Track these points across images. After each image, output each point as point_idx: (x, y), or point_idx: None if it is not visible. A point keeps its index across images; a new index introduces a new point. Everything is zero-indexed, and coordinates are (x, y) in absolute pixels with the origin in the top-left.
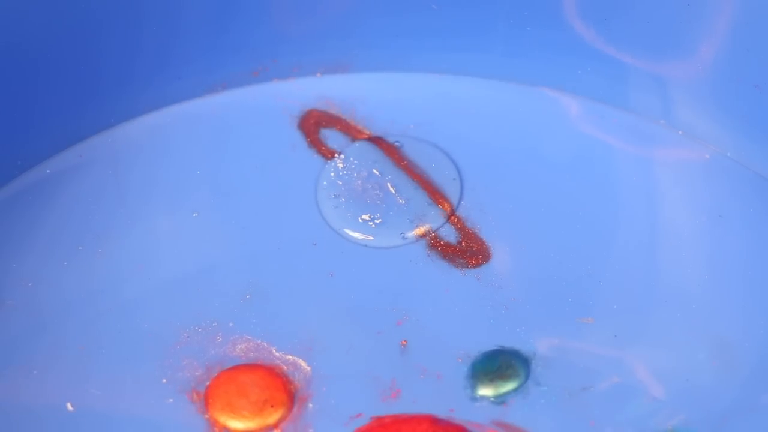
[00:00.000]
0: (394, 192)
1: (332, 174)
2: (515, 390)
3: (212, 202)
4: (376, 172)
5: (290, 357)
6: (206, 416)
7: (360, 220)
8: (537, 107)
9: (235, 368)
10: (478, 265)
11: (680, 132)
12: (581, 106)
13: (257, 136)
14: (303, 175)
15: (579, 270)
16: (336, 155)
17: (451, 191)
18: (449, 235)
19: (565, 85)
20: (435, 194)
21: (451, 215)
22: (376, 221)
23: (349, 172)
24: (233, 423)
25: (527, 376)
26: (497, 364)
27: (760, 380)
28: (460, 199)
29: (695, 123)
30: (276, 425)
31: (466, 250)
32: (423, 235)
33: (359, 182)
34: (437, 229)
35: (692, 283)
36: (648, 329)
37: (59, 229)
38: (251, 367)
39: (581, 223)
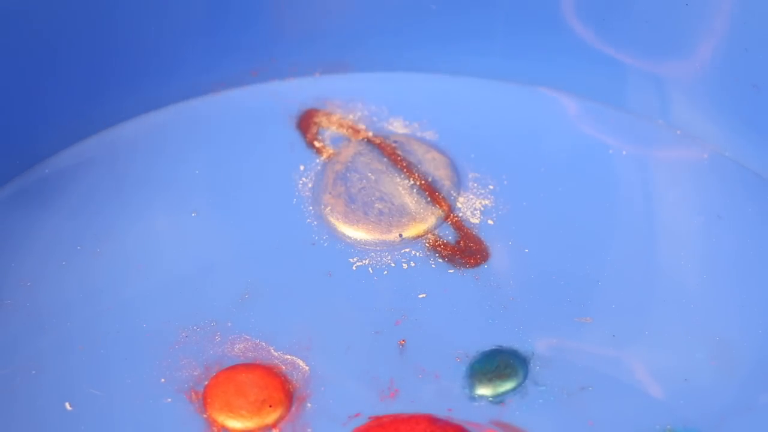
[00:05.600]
0: (392, 192)
1: (330, 174)
2: (513, 390)
3: (211, 202)
4: (372, 176)
5: (289, 357)
6: (204, 416)
7: (358, 220)
8: (536, 107)
9: (234, 368)
10: (476, 264)
11: (678, 131)
12: (580, 106)
13: (256, 135)
14: (301, 175)
15: (577, 270)
16: (334, 155)
17: (450, 191)
18: (448, 234)
19: (563, 85)
20: (433, 194)
21: (450, 215)
22: (374, 221)
23: (348, 172)
24: (231, 422)
25: (525, 376)
26: (495, 363)
27: (758, 380)
28: (459, 198)
29: (693, 122)
30: (274, 425)
31: (464, 250)
32: (421, 235)
33: (357, 182)
34: (435, 228)
35: (690, 282)
36: (646, 329)
37: (58, 229)
38: (250, 366)
39: (580, 222)
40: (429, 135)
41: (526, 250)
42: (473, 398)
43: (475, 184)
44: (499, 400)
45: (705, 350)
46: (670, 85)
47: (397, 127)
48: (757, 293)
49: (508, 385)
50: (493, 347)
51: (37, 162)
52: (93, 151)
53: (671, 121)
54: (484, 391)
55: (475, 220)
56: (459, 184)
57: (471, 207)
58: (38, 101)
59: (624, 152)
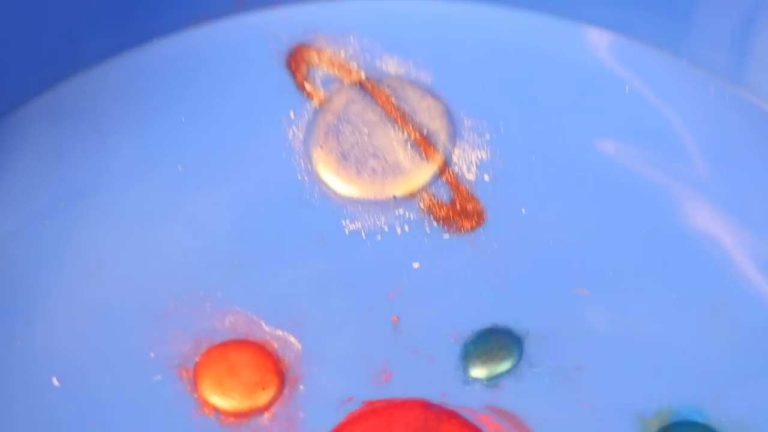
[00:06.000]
0: (386, 147)
1: (322, 125)
2: (509, 371)
3: (197, 154)
4: (365, 129)
5: (280, 332)
6: (195, 395)
7: (351, 179)
8: (540, 37)
9: (225, 345)
10: (472, 228)
11: (684, 61)
12: (586, 35)
13: (243, 77)
14: (291, 123)
15: (576, 232)
16: (325, 101)
17: (445, 144)
18: (443, 194)
19: (573, 14)
20: (428, 148)
21: (445, 170)
22: (367, 180)
23: (340, 124)
24: (223, 404)
25: (520, 357)
26: (490, 345)
27: (760, 346)
28: (454, 151)
29: (701, 53)
30: (267, 408)
31: (459, 212)
32: (416, 194)
33: (350, 136)
34: (430, 186)
35: (692, 237)
36: (643, 297)
37: (36, 184)
38: (242, 344)
39: (579, 175)
40: (424, 75)
41: (523, 211)
42: (467, 381)
43: (471, 133)
44: (493, 382)
45: (704, 316)
46: (677, 14)
47: (391, 66)
48: (759, 243)
49: (502, 367)
50: (488, 326)
51: (10, 109)
52: (69, 96)
53: (677, 50)
54: (478, 373)
55: (470, 176)
56: (455, 134)
57: (467, 160)
58: (8, 44)
59: (629, 85)
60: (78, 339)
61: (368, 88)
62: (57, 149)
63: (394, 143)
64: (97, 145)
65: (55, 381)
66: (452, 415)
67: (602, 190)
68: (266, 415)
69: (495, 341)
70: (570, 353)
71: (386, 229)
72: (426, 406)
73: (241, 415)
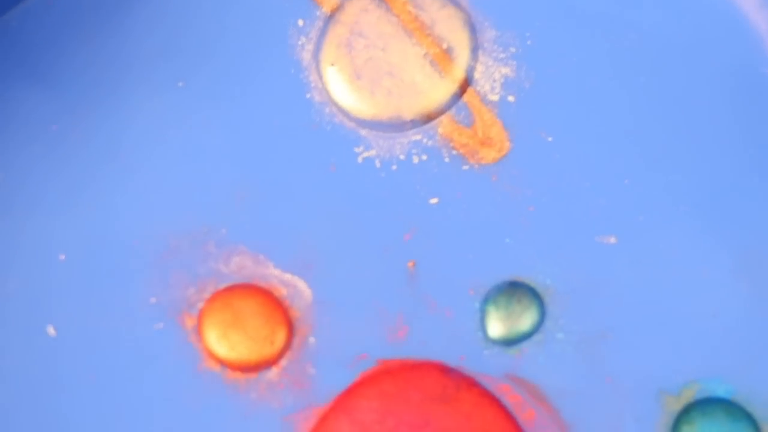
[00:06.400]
0: (402, 64)
1: (333, 38)
2: (529, 333)
3: (198, 71)
4: (380, 42)
5: (289, 276)
6: (199, 346)
7: (365, 100)
8: None
9: (231, 290)
10: (494, 160)
11: None
12: None
13: None
14: (299, 33)
15: (604, 166)
16: (337, 9)
17: (468, 60)
18: (464, 117)
19: None
20: (448, 65)
21: (466, 89)
22: (382, 101)
23: (353, 37)
24: (230, 356)
25: (542, 318)
26: (511, 304)
27: None
28: (477, 67)
29: None
30: (275, 360)
31: (482, 139)
32: (433, 117)
33: (364, 51)
34: (450, 108)
35: (727, 174)
36: (672, 249)
37: (21, 106)
38: (248, 290)
39: (613, 97)
40: None
41: (550, 139)
42: (486, 343)
43: (495, 46)
44: (514, 347)
45: (737, 270)
46: None
47: None
48: None
49: (523, 328)
50: (508, 281)
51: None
52: (55, 7)
53: None
54: (498, 333)
55: (493, 97)
56: (477, 48)
57: (490, 78)
58: None
59: None
60: (74, 284)
61: None
62: (43, 67)
63: (411, 59)
64: (86, 60)
65: (50, 330)
66: (471, 383)
67: (637, 116)
68: (275, 370)
69: (516, 301)
70: (594, 316)
71: (402, 157)
72: (444, 370)
73: (248, 369)
